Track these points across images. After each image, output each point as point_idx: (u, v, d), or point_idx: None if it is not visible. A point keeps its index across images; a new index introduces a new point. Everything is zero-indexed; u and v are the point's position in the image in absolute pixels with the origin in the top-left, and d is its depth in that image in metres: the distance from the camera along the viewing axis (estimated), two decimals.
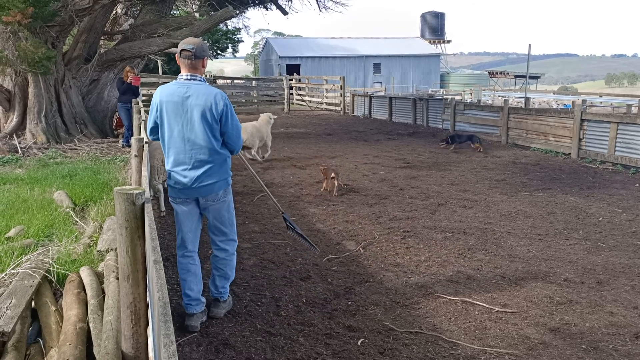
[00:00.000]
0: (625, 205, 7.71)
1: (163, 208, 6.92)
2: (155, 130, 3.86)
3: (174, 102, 3.65)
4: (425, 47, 57.64)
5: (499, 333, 3.94)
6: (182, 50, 3.65)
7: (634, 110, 21.51)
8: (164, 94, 3.71)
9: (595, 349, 3.71)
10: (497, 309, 4.32)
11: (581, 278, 5.00)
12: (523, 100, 22.90)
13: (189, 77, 3.70)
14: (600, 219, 7.03)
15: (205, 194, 3.77)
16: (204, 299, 4.02)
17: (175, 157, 3.74)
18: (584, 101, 23.38)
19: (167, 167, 3.81)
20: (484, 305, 4.39)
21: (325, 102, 27.25)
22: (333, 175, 8.31)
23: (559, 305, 4.40)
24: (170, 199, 3.91)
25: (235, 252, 4.12)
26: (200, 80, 3.72)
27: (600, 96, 31.94)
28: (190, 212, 3.86)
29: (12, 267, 4.37)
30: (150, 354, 2.47)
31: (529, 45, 22.52)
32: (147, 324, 2.59)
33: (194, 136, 3.66)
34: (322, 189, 8.58)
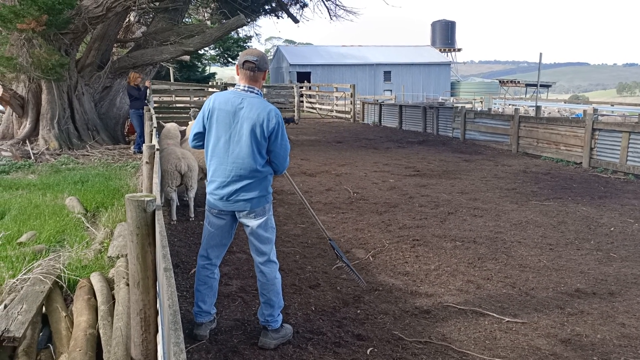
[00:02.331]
0: (637, 216, 7.63)
1: (174, 217, 6.95)
2: (199, 136, 3.76)
3: (226, 111, 3.58)
4: (436, 56, 57.63)
5: (509, 343, 3.91)
6: (245, 61, 3.57)
7: None
8: (217, 101, 3.64)
9: None
10: (507, 319, 4.29)
11: (593, 289, 4.96)
12: (534, 109, 22.79)
13: (246, 89, 3.61)
14: (612, 229, 6.97)
15: (241, 209, 3.67)
16: (214, 310, 3.99)
17: (216, 167, 3.65)
18: (595, 110, 23.23)
19: (208, 176, 3.74)
20: (494, 315, 4.36)
21: (336, 110, 27.31)
22: None
23: (570, 316, 4.36)
24: (206, 206, 3.83)
25: (279, 276, 3.88)
26: (257, 94, 3.64)
27: (612, 105, 31.73)
28: (222, 227, 3.78)
29: (24, 272, 4.40)
30: None
31: (540, 54, 22.47)
32: (157, 331, 2.60)
33: (239, 149, 3.57)
34: None
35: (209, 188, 3.74)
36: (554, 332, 4.09)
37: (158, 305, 2.58)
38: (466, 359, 3.69)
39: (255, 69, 3.57)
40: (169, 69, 29.05)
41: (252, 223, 3.72)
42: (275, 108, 3.63)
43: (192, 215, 7.14)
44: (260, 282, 3.83)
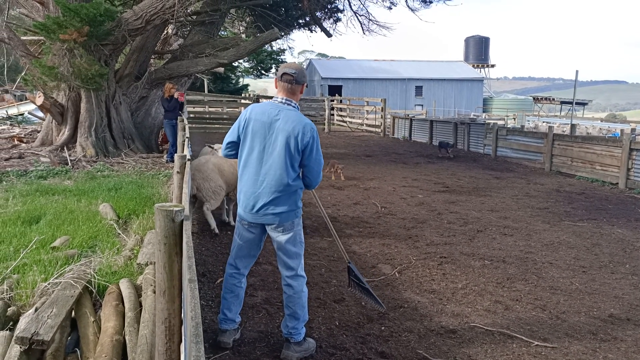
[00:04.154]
0: None
1: (216, 231, 6.98)
2: (232, 146, 3.77)
3: (262, 121, 3.58)
4: (469, 71, 57.16)
5: None
6: (284, 74, 3.61)
7: None
8: (254, 111, 3.65)
9: None
10: (536, 342, 4.19)
11: (627, 315, 4.80)
12: (569, 127, 22.37)
13: (283, 101, 3.63)
14: None
15: (269, 222, 3.65)
16: (239, 319, 4.00)
17: (247, 178, 3.65)
18: (633, 130, 22.66)
19: (238, 186, 3.75)
20: (523, 338, 4.26)
21: (366, 124, 27.30)
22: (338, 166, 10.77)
23: (602, 342, 4.23)
24: (237, 217, 3.84)
25: (306, 289, 3.84)
26: (294, 107, 3.64)
27: None
28: (251, 240, 3.78)
29: (56, 276, 4.50)
30: None
31: (576, 71, 22.09)
32: (181, 340, 2.62)
33: (272, 161, 3.56)
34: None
35: (239, 199, 3.75)
36: (585, 358, 3.97)
37: (183, 314, 2.60)
38: None
39: (293, 81, 3.60)
40: (203, 81, 29.53)
41: (281, 238, 3.70)
42: (312, 123, 3.63)
43: (214, 227, 6.97)
44: (287, 295, 3.79)
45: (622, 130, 20.85)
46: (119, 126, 14.06)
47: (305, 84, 3.70)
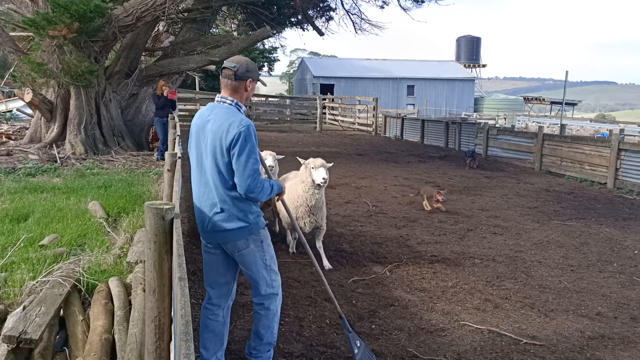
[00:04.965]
0: None
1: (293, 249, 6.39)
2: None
3: (197, 125, 3.18)
4: (460, 71, 57.39)
5: None
6: (223, 68, 3.17)
7: None
8: (196, 115, 3.27)
9: None
10: (525, 340, 4.22)
11: (614, 313, 4.85)
12: (558, 127, 22.52)
13: (219, 99, 3.18)
14: (636, 252, 6.82)
15: (223, 241, 3.18)
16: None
17: (194, 190, 3.24)
18: (621, 130, 22.85)
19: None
20: (512, 336, 4.29)
21: (358, 123, 27.34)
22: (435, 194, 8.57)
23: (590, 340, 4.27)
24: None
25: (275, 309, 3.40)
26: (231, 104, 3.14)
27: (639, 125, 31.14)
28: (214, 263, 3.30)
29: (44, 274, 4.47)
30: None
31: (566, 72, 22.26)
32: (171, 339, 2.61)
33: (207, 170, 3.12)
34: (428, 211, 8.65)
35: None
36: (572, 356, 4.00)
37: (173, 313, 2.59)
38: None
39: (232, 76, 3.12)
40: (194, 78, 29.43)
41: (238, 258, 3.24)
42: (243, 119, 3.08)
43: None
44: (254, 312, 3.44)
45: (610, 131, 21.02)
46: (108, 123, 13.98)
47: (251, 79, 3.19)
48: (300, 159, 5.63)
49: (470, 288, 5.35)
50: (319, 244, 5.92)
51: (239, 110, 3.16)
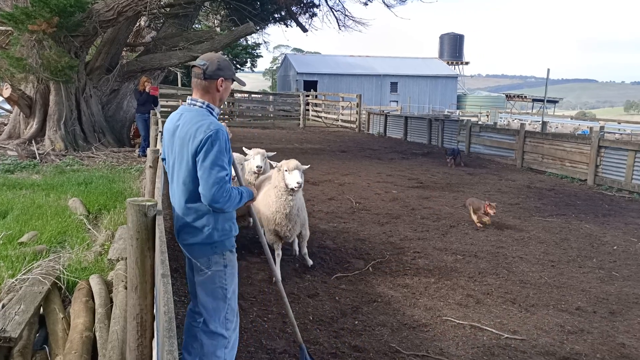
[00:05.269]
0: None
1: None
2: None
3: (168, 131, 2.95)
4: (443, 68, 57.72)
5: None
6: (192, 66, 2.94)
7: None
8: (167, 119, 3.03)
9: None
10: (506, 335, 4.27)
11: (593, 307, 4.92)
12: (540, 124, 22.78)
13: (189, 102, 2.93)
14: (615, 247, 6.93)
15: (189, 254, 2.91)
16: None
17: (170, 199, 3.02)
18: (601, 127, 23.19)
19: None
20: (493, 331, 4.33)
21: (341, 119, 27.36)
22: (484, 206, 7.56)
23: (569, 335, 4.33)
24: None
25: (220, 355, 2.99)
26: (201, 106, 2.89)
27: (619, 123, 31.65)
28: (189, 271, 3.08)
29: (23, 272, 4.41)
30: None
31: (548, 69, 22.49)
32: (153, 336, 2.59)
33: (175, 178, 2.90)
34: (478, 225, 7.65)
35: None
36: (552, 350, 4.06)
37: (155, 310, 2.57)
38: None
39: (201, 75, 2.87)
40: (177, 74, 29.19)
41: (195, 277, 2.95)
42: (213, 123, 2.80)
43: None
44: (194, 349, 2.99)
45: (591, 128, 21.32)
46: (89, 119, 13.80)
47: (223, 78, 2.91)
48: (273, 163, 5.14)
49: (452, 284, 5.40)
50: (304, 251, 5.65)
51: (210, 113, 2.89)
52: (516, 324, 4.50)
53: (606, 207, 9.51)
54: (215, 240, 2.87)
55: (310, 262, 5.71)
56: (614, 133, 25.25)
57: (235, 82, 3.07)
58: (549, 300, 5.05)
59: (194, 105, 2.90)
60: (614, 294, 5.28)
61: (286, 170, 4.85)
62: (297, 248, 5.92)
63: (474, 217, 7.69)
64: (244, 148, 6.18)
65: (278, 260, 5.34)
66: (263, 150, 5.96)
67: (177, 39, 15.28)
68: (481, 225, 7.54)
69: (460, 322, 4.49)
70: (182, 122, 2.86)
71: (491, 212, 7.45)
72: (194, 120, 2.81)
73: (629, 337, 4.33)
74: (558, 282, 5.58)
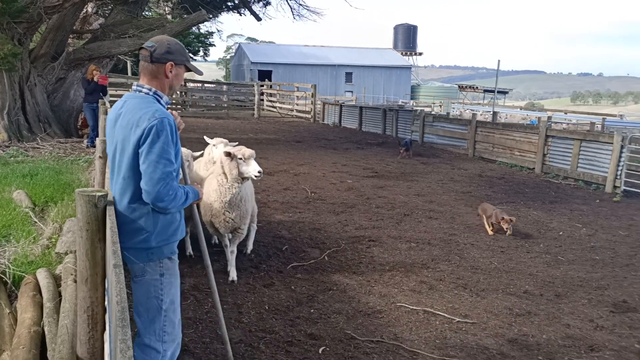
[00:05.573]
0: (585, 221, 7.92)
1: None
2: None
3: (110, 121, 2.68)
4: (397, 59, 58.31)
5: (458, 343, 3.99)
6: (140, 48, 2.67)
7: (597, 128, 22.15)
8: (111, 108, 2.76)
9: None
10: (457, 319, 4.38)
11: (540, 290, 5.11)
12: (491, 115, 23.37)
13: (135, 88, 2.66)
14: (561, 233, 7.20)
15: (122, 258, 2.32)
16: None
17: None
18: (549, 118, 23.98)
19: None
20: (445, 315, 4.44)
21: (296, 110, 27.29)
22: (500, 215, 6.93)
23: (517, 317, 4.49)
24: None
25: None
26: (147, 93, 2.61)
27: (566, 113, 32.78)
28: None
29: None
30: (106, 359, 2.42)
31: (498, 61, 23.07)
32: (104, 329, 2.54)
33: (115, 171, 2.64)
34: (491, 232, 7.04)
35: None
36: (502, 332, 4.20)
37: (106, 302, 2.52)
38: (416, 358, 3.74)
39: (148, 58, 2.60)
40: (126, 63, 28.42)
41: (132, 286, 2.68)
42: (159, 110, 2.53)
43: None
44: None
45: (539, 118, 22.01)
46: (33, 109, 13.28)
47: (173, 62, 2.64)
48: (225, 153, 4.64)
49: (406, 271, 5.49)
50: (232, 249, 5.08)
51: (157, 100, 2.61)
52: (467, 308, 4.63)
53: (553, 195, 9.86)
54: (152, 247, 2.59)
55: (234, 275, 5.01)
56: (561, 123, 26.12)
57: (191, 71, 2.84)
58: (499, 285, 5.22)
59: (140, 91, 2.62)
60: (559, 277, 5.50)
61: (241, 159, 4.58)
62: (250, 246, 5.73)
63: (486, 224, 7.17)
64: (205, 137, 5.98)
65: (233, 257, 5.05)
66: (225, 140, 5.70)
67: (127, 27, 14.85)
68: (493, 233, 6.99)
69: (414, 307, 4.58)
70: (125, 110, 2.58)
71: (505, 225, 6.85)
72: (137, 107, 2.54)
73: (573, 318, 4.52)
74: (507, 267, 5.76)
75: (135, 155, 2.49)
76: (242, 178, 4.67)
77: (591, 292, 5.12)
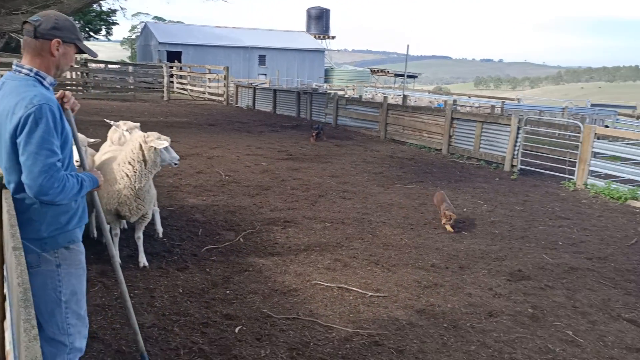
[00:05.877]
0: (486, 198, 8.42)
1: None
2: None
3: None
4: (311, 42, 58.53)
5: (371, 316, 4.14)
6: (24, 22, 2.41)
7: (497, 111, 23.49)
8: None
9: (455, 327, 4.04)
10: (370, 293, 4.54)
11: (446, 264, 5.40)
12: (401, 98, 24.10)
13: (15, 68, 2.41)
14: (465, 209, 7.62)
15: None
16: None
17: None
18: (454, 101, 25.11)
19: None
20: (359, 290, 4.59)
21: (208, 92, 26.73)
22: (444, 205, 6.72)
23: (425, 289, 4.72)
24: None
25: None
26: (28, 73, 2.37)
27: (469, 97, 34.48)
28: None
29: None
30: (8, 347, 2.29)
31: (407, 46, 23.80)
32: (4, 317, 2.40)
33: None
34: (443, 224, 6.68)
35: None
36: (411, 303, 4.40)
37: (5, 289, 2.38)
38: (331, 332, 3.85)
39: (32, 33, 2.35)
40: (19, 41, 26.54)
41: (31, 277, 2.48)
42: (39, 95, 2.30)
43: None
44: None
45: (445, 102, 22.99)
46: None
47: (60, 40, 2.39)
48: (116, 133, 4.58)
49: (321, 250, 5.60)
50: (139, 235, 4.91)
51: (39, 82, 2.37)
52: (379, 282, 4.81)
53: (458, 174, 10.38)
54: (44, 237, 2.42)
55: (144, 260, 4.90)
56: (465, 106, 27.47)
57: (84, 53, 2.62)
58: (408, 260, 5.45)
59: (19, 72, 2.37)
60: (463, 250, 5.83)
61: (154, 146, 4.39)
62: (159, 228, 5.66)
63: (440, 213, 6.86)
64: (106, 119, 5.70)
65: (116, 240, 4.83)
66: (130, 122, 5.50)
67: (20, 2, 13.85)
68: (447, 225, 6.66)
69: (329, 284, 4.69)
70: (2, 94, 2.35)
71: (442, 220, 6.63)
72: (14, 92, 2.30)
73: (474, 287, 4.82)
74: (416, 242, 6.03)
75: (14, 146, 2.28)
76: (159, 165, 4.53)
77: (490, 263, 5.47)
